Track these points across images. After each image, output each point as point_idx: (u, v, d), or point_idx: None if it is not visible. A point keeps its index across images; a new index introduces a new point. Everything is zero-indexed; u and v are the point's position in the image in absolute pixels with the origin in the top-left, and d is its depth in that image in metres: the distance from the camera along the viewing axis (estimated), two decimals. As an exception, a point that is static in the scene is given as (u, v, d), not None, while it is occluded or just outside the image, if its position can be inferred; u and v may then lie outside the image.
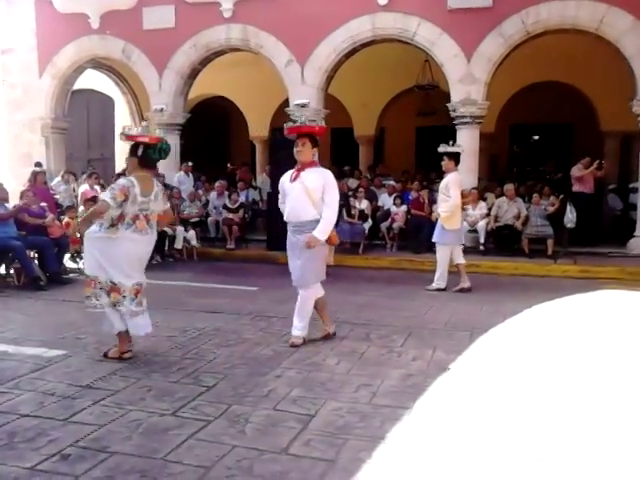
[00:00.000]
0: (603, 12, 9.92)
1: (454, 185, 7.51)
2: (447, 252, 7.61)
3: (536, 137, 17.13)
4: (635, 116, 10.22)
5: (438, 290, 7.53)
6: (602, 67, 11.77)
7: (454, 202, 7.46)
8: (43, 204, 8.76)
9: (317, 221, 4.81)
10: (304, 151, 4.89)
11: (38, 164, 11.95)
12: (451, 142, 7.74)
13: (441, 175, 11.59)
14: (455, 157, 7.62)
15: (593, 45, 10.85)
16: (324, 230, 4.80)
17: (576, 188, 11.05)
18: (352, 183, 12.96)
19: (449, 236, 7.55)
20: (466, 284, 7.60)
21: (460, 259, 7.69)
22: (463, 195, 7.78)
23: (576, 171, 11.11)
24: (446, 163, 7.62)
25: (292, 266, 5.01)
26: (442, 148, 7.58)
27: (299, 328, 5.00)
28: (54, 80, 13.31)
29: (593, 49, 11.14)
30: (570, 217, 10.07)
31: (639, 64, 9.94)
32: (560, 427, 3.33)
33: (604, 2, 9.87)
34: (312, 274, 4.92)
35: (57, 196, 11.15)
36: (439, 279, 7.63)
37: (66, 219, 8.97)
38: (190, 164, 13.05)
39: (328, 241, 4.93)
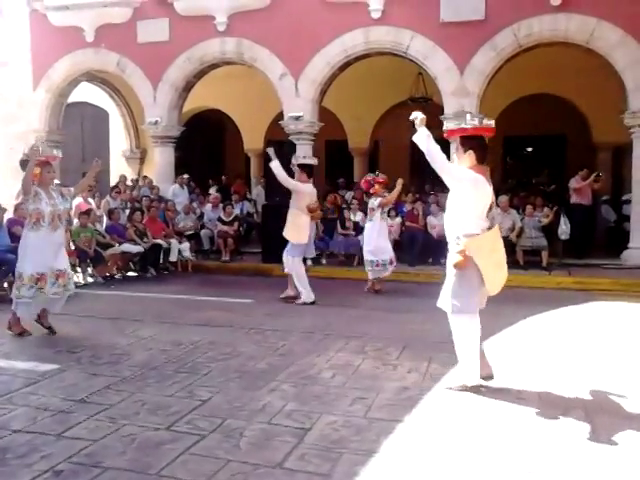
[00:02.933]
0: (593, 26, 10.03)
1: (301, 198, 7.55)
2: (298, 264, 7.57)
3: (529, 149, 17.23)
4: (627, 128, 10.30)
5: (308, 304, 7.42)
6: (594, 80, 11.87)
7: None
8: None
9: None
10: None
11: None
12: (303, 155, 7.76)
13: (434, 187, 11.64)
14: (307, 169, 7.72)
15: (585, 58, 10.96)
16: None
17: (574, 200, 11.12)
18: (348, 196, 12.99)
19: (296, 250, 7.54)
20: (291, 292, 7.64)
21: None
22: (310, 209, 7.63)
23: (574, 183, 11.19)
24: (298, 175, 7.69)
25: None
26: (294, 160, 7.51)
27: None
28: (48, 93, 13.34)
29: (585, 62, 11.25)
30: (564, 228, 10.12)
31: (630, 77, 10.04)
32: (553, 442, 3.32)
33: (594, 16, 9.99)
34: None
35: (51, 209, 11.11)
36: (304, 294, 7.48)
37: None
38: (185, 177, 13.06)
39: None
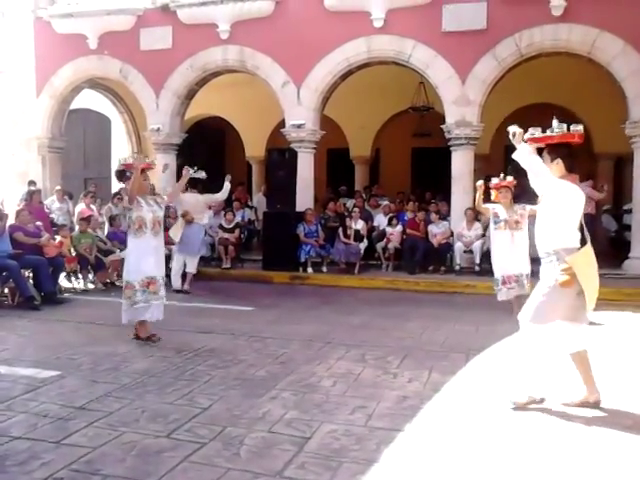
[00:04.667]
0: (594, 36, 10.07)
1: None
2: (180, 260, 9.18)
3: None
4: (628, 138, 10.32)
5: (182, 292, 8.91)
6: (595, 90, 11.90)
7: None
8: (38, 223, 8.75)
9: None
10: None
11: (32, 182, 11.97)
12: (195, 168, 7.84)
13: (434, 196, 11.67)
14: (194, 182, 8.55)
15: (586, 68, 10.99)
16: None
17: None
18: (350, 204, 13.01)
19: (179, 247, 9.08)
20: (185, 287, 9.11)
21: (191, 269, 9.25)
22: (182, 214, 9.13)
23: (593, 194, 11.14)
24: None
25: None
26: (185, 171, 7.52)
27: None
28: (51, 100, 13.39)
29: (586, 72, 11.28)
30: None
31: (630, 87, 10.07)
32: (553, 450, 3.31)
33: (595, 27, 10.02)
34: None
35: (52, 215, 11.16)
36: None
37: (59, 238, 8.95)
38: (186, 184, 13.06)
39: None
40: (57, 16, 12.90)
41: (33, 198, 10.31)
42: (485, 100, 10.83)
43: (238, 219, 12.22)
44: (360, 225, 11.03)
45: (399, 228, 11.00)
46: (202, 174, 8.13)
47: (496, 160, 14.67)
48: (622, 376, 4.78)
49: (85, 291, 9.14)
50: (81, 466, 3.04)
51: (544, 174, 3.96)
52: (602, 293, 8.98)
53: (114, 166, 16.85)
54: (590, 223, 11.08)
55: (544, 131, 4.10)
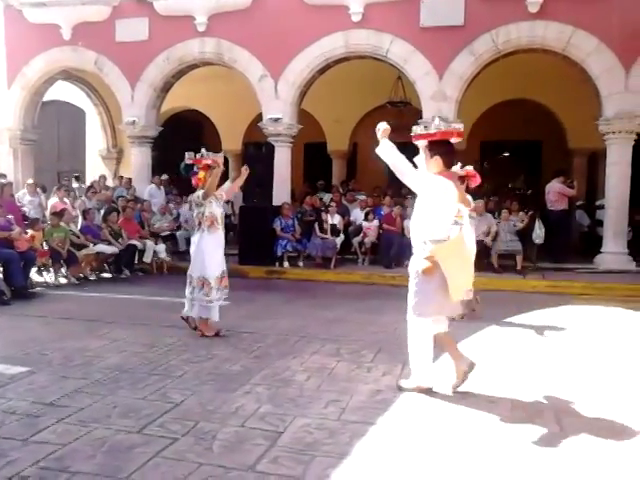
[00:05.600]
0: (569, 34, 10.18)
1: None
2: None
3: (506, 154, 17.40)
4: (601, 135, 10.46)
5: None
6: (570, 86, 12.03)
7: None
8: (9, 216, 8.59)
9: None
10: None
11: (2, 175, 11.75)
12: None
13: (411, 191, 11.72)
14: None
15: (561, 65, 11.11)
16: None
17: (552, 205, 11.20)
18: (327, 198, 12.99)
19: None
20: None
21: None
22: None
23: (562, 190, 11.26)
24: None
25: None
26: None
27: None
28: (23, 91, 13.14)
29: (561, 69, 11.40)
30: (539, 233, 10.23)
31: (604, 84, 10.21)
32: (522, 445, 3.35)
33: (570, 24, 10.13)
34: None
35: (24, 208, 10.97)
36: None
37: (31, 232, 8.79)
38: (164, 177, 12.96)
39: None
40: (28, 4, 12.66)
41: (4, 191, 10.11)
42: (462, 96, 10.90)
43: (214, 213, 12.13)
44: (337, 220, 11.04)
45: (375, 223, 11.02)
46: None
47: (472, 155, 14.79)
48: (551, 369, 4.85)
49: (57, 286, 9.00)
50: (50, 463, 2.99)
51: (407, 171, 4.09)
52: (574, 287, 9.18)
53: (89, 159, 16.70)
54: (564, 218, 11.35)
55: (426, 128, 4.25)
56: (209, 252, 5.74)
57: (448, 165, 4.18)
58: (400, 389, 4.20)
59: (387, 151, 4.14)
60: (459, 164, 5.52)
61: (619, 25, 9.99)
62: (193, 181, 5.91)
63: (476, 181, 5.72)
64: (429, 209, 4.10)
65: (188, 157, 5.95)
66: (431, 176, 4.11)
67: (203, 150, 5.91)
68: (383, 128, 4.20)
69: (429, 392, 4.14)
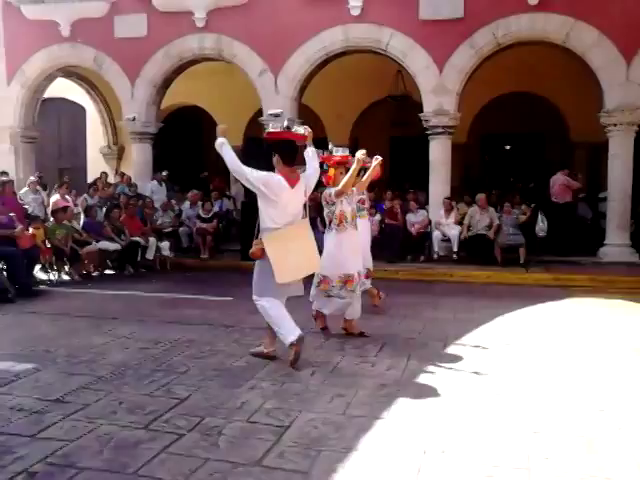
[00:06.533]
0: (570, 26, 10.15)
1: None
2: None
3: (507, 147, 17.38)
4: (602, 127, 10.44)
5: None
6: (571, 79, 12.02)
7: None
8: (12, 214, 8.59)
9: None
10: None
11: (4, 173, 11.74)
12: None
13: (414, 185, 11.69)
14: None
15: (562, 57, 11.09)
16: None
17: (557, 198, 11.19)
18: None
19: None
20: None
21: None
22: None
23: (569, 182, 11.26)
24: None
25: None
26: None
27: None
28: (23, 88, 13.13)
29: (562, 61, 11.38)
30: (542, 226, 10.25)
31: (605, 76, 10.18)
32: (532, 435, 3.36)
33: (571, 16, 10.11)
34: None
35: (26, 206, 10.97)
36: None
37: (31, 230, 8.78)
38: (164, 174, 12.95)
39: None
40: (27, 1, 12.63)
41: (6, 189, 10.10)
42: (462, 89, 10.88)
43: (216, 209, 12.15)
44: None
45: (377, 217, 11.02)
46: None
47: (473, 149, 14.77)
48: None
49: (61, 283, 9.02)
50: (57, 459, 3.00)
51: (235, 165, 4.57)
52: (577, 280, 9.18)
53: (89, 156, 16.65)
54: (568, 211, 11.34)
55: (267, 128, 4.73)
56: (335, 252, 5.45)
57: (287, 163, 4.64)
58: (251, 354, 4.83)
59: (219, 147, 4.57)
60: (340, 149, 5.57)
61: (620, 16, 9.98)
62: (323, 179, 5.58)
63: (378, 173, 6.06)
64: (259, 201, 4.65)
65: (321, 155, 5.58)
66: (257, 172, 4.56)
67: (331, 145, 5.67)
68: (221, 128, 4.71)
69: (274, 358, 4.75)
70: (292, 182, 4.62)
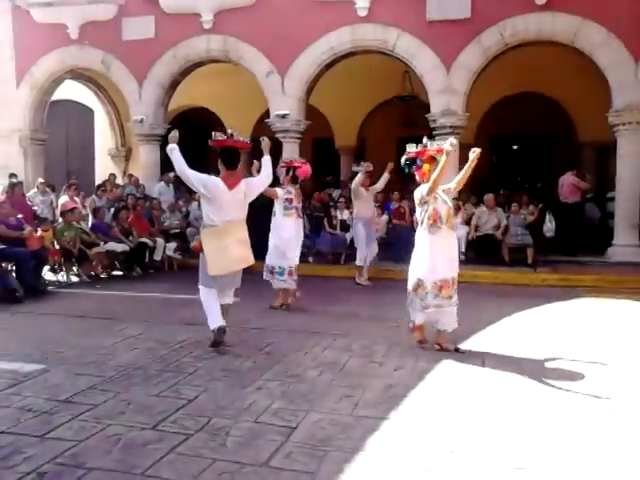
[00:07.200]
0: (578, 25, 10.10)
1: None
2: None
3: (515, 147, 17.32)
4: (611, 127, 10.39)
5: None
6: (579, 79, 11.97)
7: None
8: (20, 216, 8.65)
9: None
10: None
11: (13, 175, 11.82)
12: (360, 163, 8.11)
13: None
14: None
15: (570, 57, 11.04)
16: None
17: (566, 198, 11.14)
18: (336, 193, 12.99)
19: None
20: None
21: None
22: None
23: (578, 183, 11.22)
24: None
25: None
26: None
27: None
28: (32, 91, 13.21)
29: (570, 61, 11.33)
30: (549, 226, 10.20)
31: (613, 76, 10.13)
32: (540, 436, 3.34)
33: (579, 16, 10.06)
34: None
35: (35, 207, 11.04)
36: None
37: (40, 232, 8.82)
38: (172, 175, 12.96)
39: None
40: (36, 4, 12.70)
41: (15, 191, 10.18)
42: (470, 89, 10.85)
43: (224, 210, 12.14)
44: (346, 215, 11.02)
45: (385, 217, 11.02)
46: (360, 168, 8.86)
47: (481, 149, 14.66)
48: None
49: (69, 284, 9.06)
50: (66, 460, 3.02)
51: (181, 169, 5.13)
52: (585, 280, 9.14)
53: (97, 158, 16.70)
54: (576, 211, 11.28)
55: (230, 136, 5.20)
56: (429, 254, 5.06)
57: (228, 167, 5.16)
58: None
59: (169, 152, 5.15)
60: (434, 143, 5.32)
61: (628, 15, 9.93)
62: (417, 176, 5.25)
63: (304, 172, 7.16)
64: (201, 201, 5.29)
65: (409, 150, 5.30)
66: (198, 175, 5.12)
67: (425, 139, 5.26)
68: (173, 136, 5.24)
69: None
70: (231, 184, 5.10)
